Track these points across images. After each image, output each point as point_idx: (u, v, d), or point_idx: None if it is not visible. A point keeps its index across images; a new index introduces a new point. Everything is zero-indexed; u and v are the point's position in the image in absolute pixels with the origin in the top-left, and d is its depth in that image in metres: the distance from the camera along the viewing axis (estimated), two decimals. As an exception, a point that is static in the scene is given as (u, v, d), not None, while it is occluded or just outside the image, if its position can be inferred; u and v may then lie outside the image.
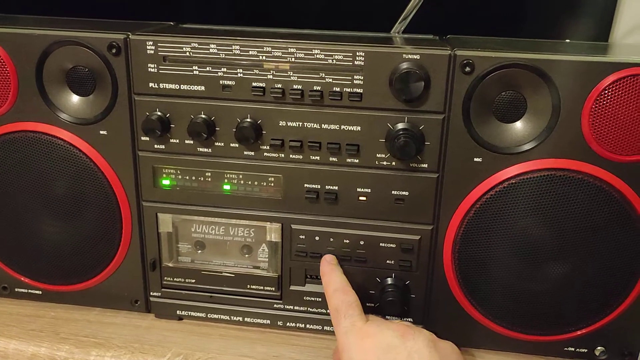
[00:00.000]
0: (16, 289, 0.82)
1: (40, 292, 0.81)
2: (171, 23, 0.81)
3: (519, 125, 0.66)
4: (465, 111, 0.66)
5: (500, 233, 0.68)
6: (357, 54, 0.65)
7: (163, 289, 0.79)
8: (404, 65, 0.64)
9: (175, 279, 0.79)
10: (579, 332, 0.72)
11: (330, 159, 0.70)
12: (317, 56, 0.66)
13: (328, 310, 0.76)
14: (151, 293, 0.80)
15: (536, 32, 0.87)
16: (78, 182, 0.74)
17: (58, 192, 0.74)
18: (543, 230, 0.67)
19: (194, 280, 0.78)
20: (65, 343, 0.75)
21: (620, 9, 0.90)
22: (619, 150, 0.64)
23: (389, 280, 0.73)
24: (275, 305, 0.78)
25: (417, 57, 0.64)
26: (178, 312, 0.80)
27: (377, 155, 0.69)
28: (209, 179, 0.73)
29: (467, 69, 0.64)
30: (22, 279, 0.81)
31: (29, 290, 0.82)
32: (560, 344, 0.73)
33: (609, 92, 0.62)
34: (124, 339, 0.76)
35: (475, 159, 0.67)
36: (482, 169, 0.67)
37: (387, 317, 0.75)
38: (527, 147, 0.66)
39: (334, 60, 0.66)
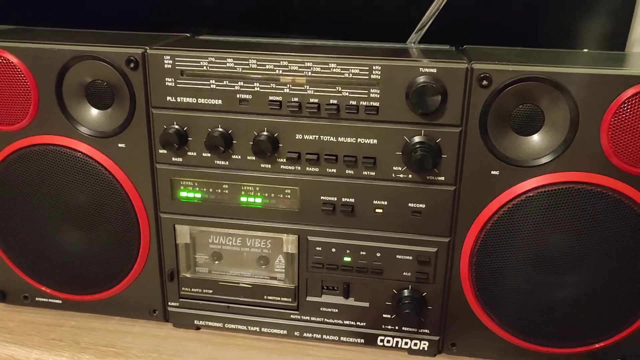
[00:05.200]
0: (36, 298, 0.83)
1: (60, 302, 0.83)
2: (187, 34, 0.82)
3: (536, 138, 0.65)
4: (482, 124, 0.65)
5: (517, 246, 0.68)
6: (374, 67, 0.65)
7: (181, 299, 0.80)
8: (421, 79, 0.64)
9: (192, 289, 0.79)
10: (597, 345, 0.71)
11: (347, 171, 0.70)
12: (334, 70, 0.66)
13: (345, 321, 0.77)
14: (169, 303, 0.80)
15: (552, 38, 0.86)
16: (97, 194, 0.74)
17: (77, 204, 0.75)
18: (561, 244, 0.66)
19: (211, 291, 0.79)
20: (85, 352, 0.76)
21: (638, 17, 0.88)
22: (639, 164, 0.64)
23: (406, 292, 0.73)
24: (291, 316, 0.78)
25: (434, 70, 0.64)
26: (195, 321, 0.80)
27: (394, 168, 0.69)
28: (226, 191, 0.74)
29: (485, 82, 0.64)
30: (43, 288, 0.82)
31: (49, 300, 0.83)
32: (578, 356, 0.72)
33: (628, 105, 0.61)
34: (142, 349, 0.77)
35: (493, 172, 0.67)
36: (500, 182, 0.67)
37: (403, 328, 0.76)
38: (544, 160, 0.65)
39: (351, 74, 0.66)
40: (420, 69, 0.64)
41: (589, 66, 0.64)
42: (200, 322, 0.80)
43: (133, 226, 0.76)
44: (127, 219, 0.75)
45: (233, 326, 0.80)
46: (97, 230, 0.76)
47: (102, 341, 0.78)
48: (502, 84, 0.63)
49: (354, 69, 0.66)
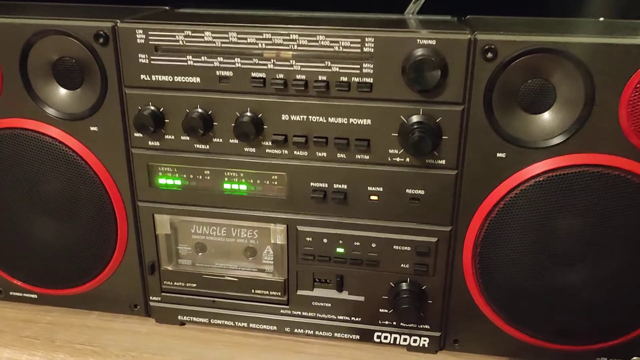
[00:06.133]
0: (10, 293, 0.79)
1: (36, 296, 0.78)
2: (166, 7, 0.76)
3: (547, 116, 0.60)
4: (487, 102, 0.60)
5: (525, 235, 0.63)
6: (366, 39, 0.60)
7: (163, 294, 0.75)
8: (418, 52, 0.58)
9: (175, 283, 0.74)
10: (612, 342, 0.66)
11: (338, 155, 0.65)
12: (322, 43, 0.61)
13: (338, 316, 0.72)
14: (151, 297, 0.76)
15: (563, 7, 0.80)
16: (69, 181, 0.69)
17: (49, 192, 0.70)
18: (574, 232, 0.62)
19: (195, 285, 0.74)
20: (60, 351, 0.72)
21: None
22: (661, 144, 0.58)
23: (404, 286, 0.69)
24: (281, 311, 0.73)
25: (433, 42, 0.58)
26: (179, 317, 0.76)
27: (390, 150, 0.64)
28: (208, 178, 0.68)
29: (489, 54, 0.58)
30: (16, 282, 0.77)
31: (24, 294, 0.78)
32: (592, 353, 0.68)
33: (650, 78, 0.56)
34: (122, 347, 0.72)
35: (498, 154, 0.62)
36: (506, 165, 0.62)
37: (401, 324, 0.71)
38: (556, 140, 0.60)
39: (341, 47, 0.60)
40: (418, 40, 0.59)
41: (606, 35, 0.57)
42: (185, 317, 0.76)
43: (109, 216, 0.71)
44: (103, 208, 0.70)
45: (219, 322, 0.75)
46: (71, 221, 0.71)
47: (79, 338, 0.74)
48: (508, 56, 0.58)
49: (344, 41, 0.60)
